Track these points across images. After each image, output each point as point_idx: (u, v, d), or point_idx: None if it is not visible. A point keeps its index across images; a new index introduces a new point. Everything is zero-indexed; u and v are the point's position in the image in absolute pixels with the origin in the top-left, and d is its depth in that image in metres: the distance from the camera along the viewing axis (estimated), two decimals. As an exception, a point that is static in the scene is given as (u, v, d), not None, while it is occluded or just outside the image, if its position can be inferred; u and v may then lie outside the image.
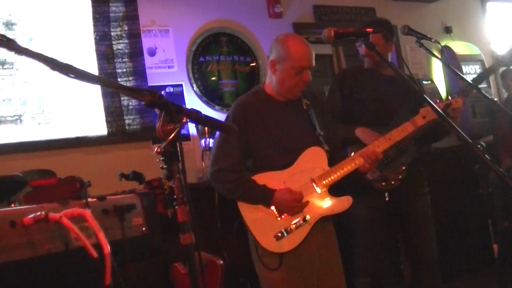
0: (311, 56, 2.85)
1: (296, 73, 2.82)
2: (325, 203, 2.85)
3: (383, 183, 3.45)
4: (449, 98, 3.20)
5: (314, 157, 2.88)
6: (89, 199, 2.03)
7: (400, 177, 3.47)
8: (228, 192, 2.89)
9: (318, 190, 2.85)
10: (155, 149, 1.64)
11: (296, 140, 2.90)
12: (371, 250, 3.59)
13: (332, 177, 2.85)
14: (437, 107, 2.25)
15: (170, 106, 1.62)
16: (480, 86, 3.41)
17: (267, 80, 2.99)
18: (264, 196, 2.80)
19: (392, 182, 3.46)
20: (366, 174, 2.98)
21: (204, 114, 1.74)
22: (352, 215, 3.50)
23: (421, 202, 3.62)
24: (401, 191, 3.49)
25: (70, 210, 1.83)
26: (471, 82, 3.17)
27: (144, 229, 2.19)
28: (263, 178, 2.84)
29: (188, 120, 1.65)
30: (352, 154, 2.91)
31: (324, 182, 2.85)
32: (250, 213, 2.83)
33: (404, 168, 3.48)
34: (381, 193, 3.47)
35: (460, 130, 2.12)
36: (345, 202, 2.86)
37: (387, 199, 3.46)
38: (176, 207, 1.64)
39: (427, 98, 2.30)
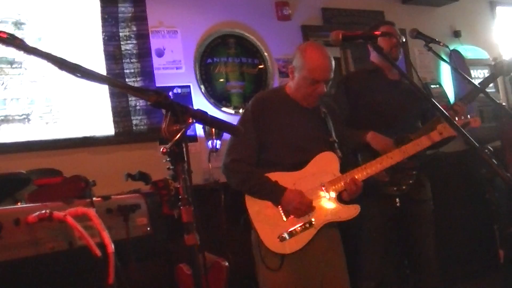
0: (327, 69, 2.83)
1: (309, 83, 2.83)
2: (332, 209, 2.84)
3: (395, 188, 3.44)
4: (468, 116, 3.19)
5: (326, 162, 2.88)
6: (94, 199, 2.03)
7: (410, 181, 3.46)
8: (239, 182, 2.87)
9: (327, 195, 2.84)
10: (161, 150, 1.63)
11: (309, 140, 2.90)
12: (379, 254, 3.57)
13: (343, 183, 2.85)
14: (446, 114, 2.23)
15: (176, 106, 1.61)
16: (488, 90, 3.39)
17: (290, 81, 3.00)
18: (274, 192, 2.79)
19: (403, 187, 3.45)
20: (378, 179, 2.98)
21: (211, 115, 1.72)
22: (363, 218, 3.48)
23: (424, 206, 3.61)
24: (407, 196, 3.48)
25: (74, 209, 1.83)
26: (478, 85, 3.15)
27: (148, 229, 2.19)
28: (273, 177, 2.83)
29: (194, 120, 1.64)
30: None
31: (334, 187, 2.84)
32: (257, 211, 2.82)
33: (414, 172, 3.47)
34: (392, 198, 3.46)
35: (468, 135, 2.12)
36: (353, 210, 2.85)
37: (398, 204, 3.44)
38: (181, 207, 1.64)
39: (438, 105, 2.28)
